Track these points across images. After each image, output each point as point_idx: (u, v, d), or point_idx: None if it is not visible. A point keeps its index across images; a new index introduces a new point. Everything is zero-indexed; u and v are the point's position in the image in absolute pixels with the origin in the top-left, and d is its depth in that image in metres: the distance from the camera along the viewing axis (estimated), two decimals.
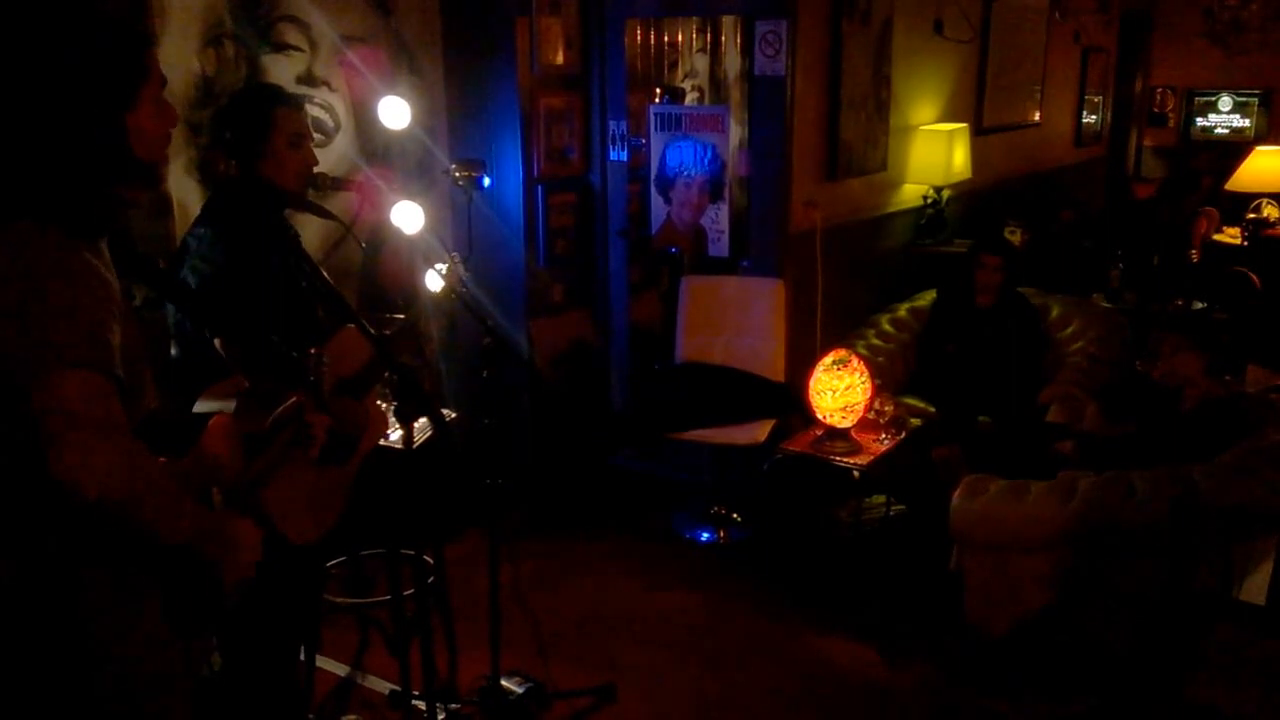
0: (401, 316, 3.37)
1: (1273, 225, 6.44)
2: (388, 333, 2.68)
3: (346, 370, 2.36)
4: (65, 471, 1.35)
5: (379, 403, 3.07)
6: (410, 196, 3.45)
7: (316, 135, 3.64)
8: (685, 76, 5.70)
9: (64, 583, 1.47)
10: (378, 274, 3.71)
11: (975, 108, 5.66)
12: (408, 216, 3.37)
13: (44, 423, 1.36)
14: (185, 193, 3.20)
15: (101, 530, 1.44)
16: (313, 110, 3.62)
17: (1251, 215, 6.48)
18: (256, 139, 2.45)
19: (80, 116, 1.46)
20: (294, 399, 1.78)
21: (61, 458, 1.35)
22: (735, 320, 4.27)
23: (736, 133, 4.71)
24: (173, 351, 2.34)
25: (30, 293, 1.39)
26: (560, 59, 4.30)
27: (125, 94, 1.49)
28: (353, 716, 2.99)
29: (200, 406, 1.74)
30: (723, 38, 5.62)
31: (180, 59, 3.19)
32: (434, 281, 3.39)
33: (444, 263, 2.76)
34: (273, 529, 1.84)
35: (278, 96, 2.54)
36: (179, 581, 1.54)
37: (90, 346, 1.40)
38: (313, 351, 1.90)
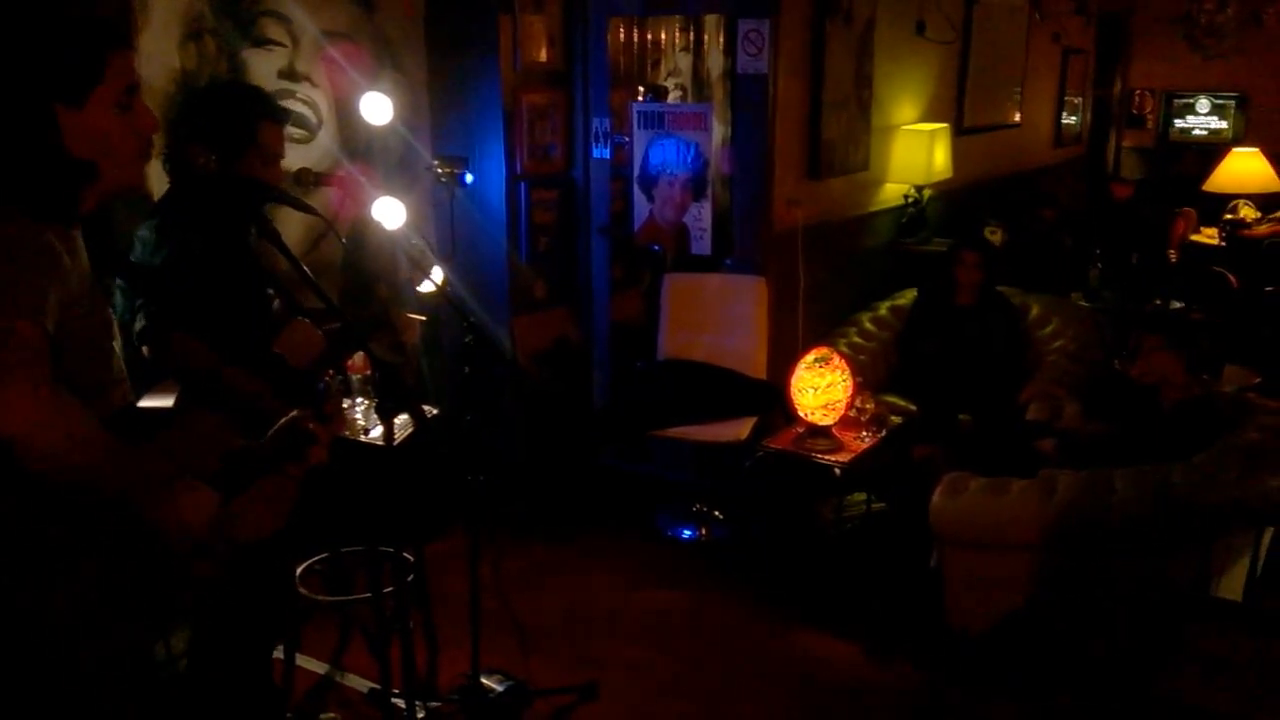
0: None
1: (1249, 226, 6.50)
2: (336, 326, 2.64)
3: (298, 363, 2.35)
4: None
5: (360, 400, 3.06)
6: (392, 193, 3.44)
7: (299, 131, 3.63)
8: (668, 75, 5.70)
9: None
10: (360, 270, 3.70)
11: (956, 108, 5.69)
12: (389, 212, 3.36)
13: None
14: (163, 187, 3.16)
15: (23, 490, 1.42)
16: (295, 106, 3.60)
17: (1229, 216, 6.54)
18: (237, 145, 2.42)
19: (8, 107, 1.46)
20: (295, 411, 1.77)
21: None
22: (717, 318, 4.28)
23: (719, 131, 4.72)
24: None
25: None
26: (543, 56, 4.28)
27: (64, 91, 1.48)
28: (331, 714, 2.97)
29: (144, 403, 1.73)
30: (705, 36, 5.62)
31: (160, 54, 3.16)
32: (422, 283, 3.38)
33: (429, 265, 2.75)
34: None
35: (268, 109, 2.50)
36: (121, 554, 1.50)
37: (22, 295, 1.40)
38: (330, 375, 1.91)
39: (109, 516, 1.47)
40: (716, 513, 4.22)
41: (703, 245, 4.38)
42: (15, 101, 1.46)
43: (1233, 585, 2.91)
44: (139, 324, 2.27)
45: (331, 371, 1.90)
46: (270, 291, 2.59)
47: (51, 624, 1.46)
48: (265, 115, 2.47)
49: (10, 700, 1.47)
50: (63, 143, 1.48)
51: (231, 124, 2.45)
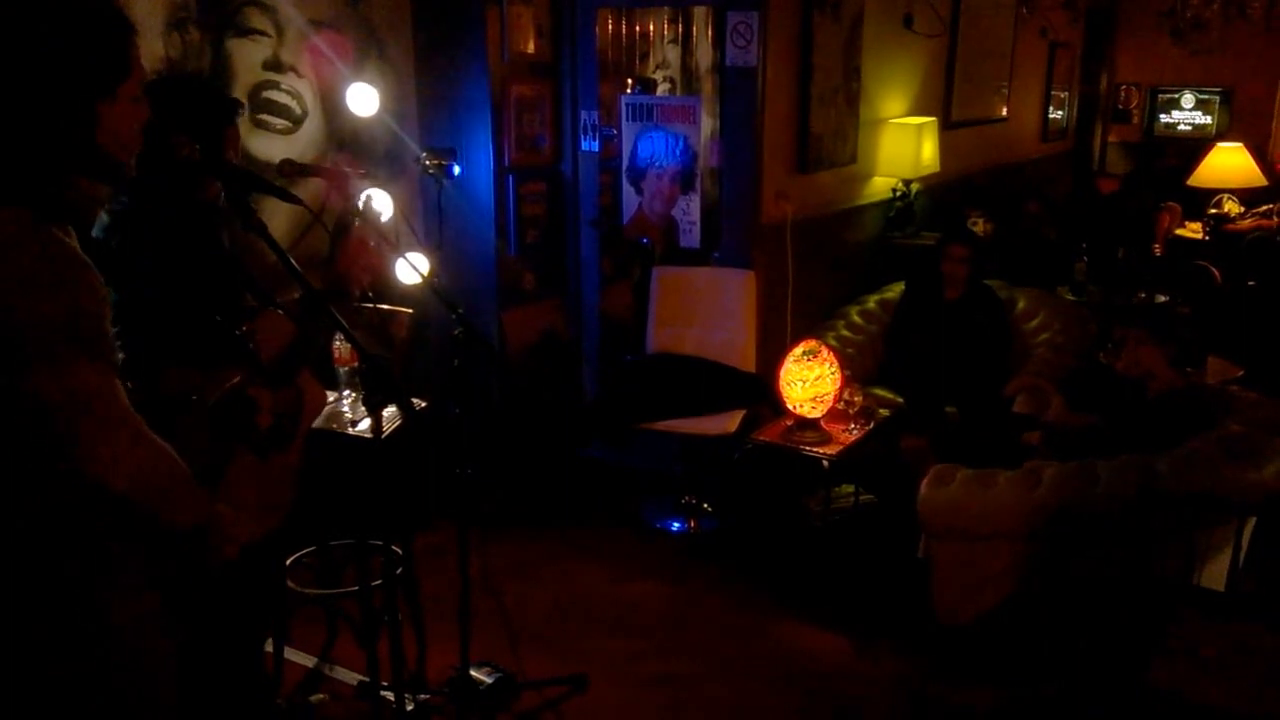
0: (375, 305, 3.32)
1: (1233, 220, 6.54)
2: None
3: (268, 353, 2.34)
4: (98, 466, 1.34)
5: (348, 392, 3.05)
6: (379, 184, 3.43)
7: (284, 122, 3.61)
8: (657, 67, 5.70)
9: (56, 566, 1.44)
10: (340, 259, 3.68)
11: (944, 102, 5.70)
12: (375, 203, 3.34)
13: (67, 416, 1.34)
14: None
15: (101, 518, 1.42)
16: (280, 96, 3.58)
17: (1213, 210, 6.58)
18: (211, 146, 2.41)
19: (52, 102, 1.42)
20: (234, 379, 1.76)
21: (94, 453, 1.34)
22: (706, 311, 4.28)
23: (708, 124, 4.72)
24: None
25: (16, 278, 1.34)
26: (531, 47, 4.27)
27: (102, 85, 1.46)
28: (322, 695, 2.97)
29: None
30: (694, 28, 5.62)
31: (143, 42, 3.12)
32: (406, 272, 3.37)
33: (415, 253, 2.74)
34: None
35: (233, 112, 2.50)
36: (177, 563, 1.52)
37: (98, 337, 1.38)
38: (245, 328, 1.90)
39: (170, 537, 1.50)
40: (705, 505, 4.22)
41: (691, 238, 4.38)
42: (61, 99, 1.41)
43: (1215, 575, 2.93)
44: (119, 356, 2.26)
45: (247, 326, 1.89)
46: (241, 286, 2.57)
47: (111, 632, 1.48)
48: (233, 121, 2.47)
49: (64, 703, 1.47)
50: (101, 140, 1.45)
51: (203, 124, 2.44)
